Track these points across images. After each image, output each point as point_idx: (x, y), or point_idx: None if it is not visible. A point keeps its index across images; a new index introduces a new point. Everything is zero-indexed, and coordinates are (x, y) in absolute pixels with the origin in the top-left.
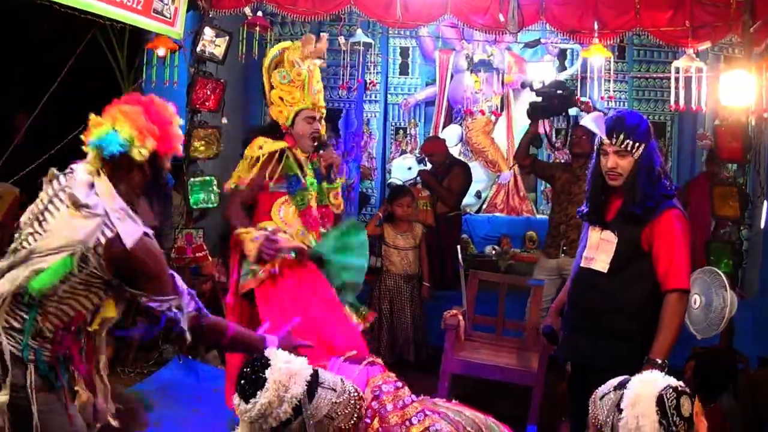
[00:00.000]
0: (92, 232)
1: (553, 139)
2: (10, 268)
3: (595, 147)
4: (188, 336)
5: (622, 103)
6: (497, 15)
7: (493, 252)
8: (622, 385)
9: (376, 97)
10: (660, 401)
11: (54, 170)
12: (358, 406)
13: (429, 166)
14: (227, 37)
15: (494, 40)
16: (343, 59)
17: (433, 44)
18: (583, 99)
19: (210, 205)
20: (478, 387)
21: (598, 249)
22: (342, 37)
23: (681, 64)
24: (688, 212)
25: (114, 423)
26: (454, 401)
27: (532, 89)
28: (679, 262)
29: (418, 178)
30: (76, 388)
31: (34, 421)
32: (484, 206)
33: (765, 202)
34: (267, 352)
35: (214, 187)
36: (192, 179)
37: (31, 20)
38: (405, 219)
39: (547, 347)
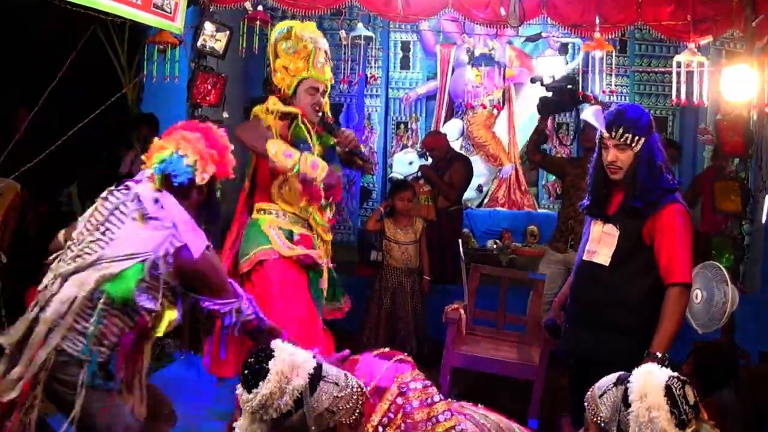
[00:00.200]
0: (162, 242)
1: (554, 134)
2: (76, 271)
3: (596, 141)
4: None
5: (623, 98)
6: (498, 9)
7: (495, 246)
8: (621, 381)
9: (377, 91)
10: (669, 391)
11: (110, 188)
12: (360, 402)
13: (430, 160)
14: (228, 32)
15: (495, 34)
16: (344, 53)
17: (434, 38)
18: (586, 93)
19: None
20: (479, 381)
21: (600, 242)
22: (343, 31)
23: (683, 58)
24: (701, 206)
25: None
26: (479, 405)
27: (542, 84)
28: (681, 256)
29: (419, 173)
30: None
31: (74, 414)
32: (486, 200)
33: (766, 196)
34: (273, 344)
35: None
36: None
37: (31, 16)
38: (406, 213)
39: (549, 341)
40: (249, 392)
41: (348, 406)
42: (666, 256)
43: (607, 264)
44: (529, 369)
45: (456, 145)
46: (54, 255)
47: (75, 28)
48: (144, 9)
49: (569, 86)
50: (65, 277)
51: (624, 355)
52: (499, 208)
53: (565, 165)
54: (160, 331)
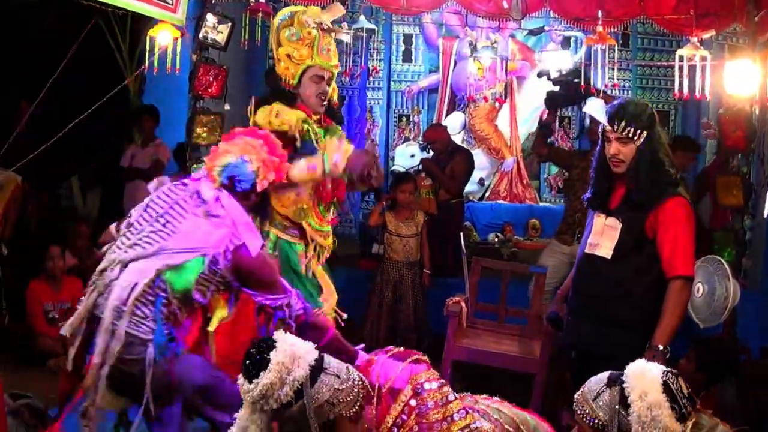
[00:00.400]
0: (222, 239)
1: (556, 127)
2: (136, 258)
3: (599, 134)
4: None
5: (626, 92)
6: (501, 2)
7: (496, 239)
8: (613, 381)
9: (379, 84)
10: (666, 387)
11: (162, 179)
12: (361, 395)
13: (431, 153)
14: (230, 24)
15: (498, 27)
16: (346, 46)
17: (436, 31)
18: (589, 87)
19: None
20: (481, 374)
21: (603, 235)
22: (345, 23)
23: (685, 52)
24: (709, 199)
25: None
26: (494, 398)
27: (549, 78)
28: (683, 249)
29: (421, 166)
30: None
31: (146, 390)
32: (487, 194)
33: None
34: (275, 335)
35: None
36: (194, 165)
37: (33, 8)
38: (407, 206)
39: (550, 334)
40: (250, 382)
41: (348, 399)
42: (668, 249)
43: (609, 257)
44: (531, 362)
45: (458, 138)
46: (106, 246)
47: (77, 18)
48: (146, 0)
49: (576, 80)
50: (125, 264)
51: (625, 350)
52: (500, 202)
53: (572, 157)
54: (212, 326)
